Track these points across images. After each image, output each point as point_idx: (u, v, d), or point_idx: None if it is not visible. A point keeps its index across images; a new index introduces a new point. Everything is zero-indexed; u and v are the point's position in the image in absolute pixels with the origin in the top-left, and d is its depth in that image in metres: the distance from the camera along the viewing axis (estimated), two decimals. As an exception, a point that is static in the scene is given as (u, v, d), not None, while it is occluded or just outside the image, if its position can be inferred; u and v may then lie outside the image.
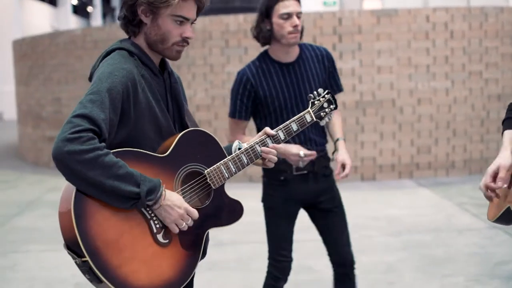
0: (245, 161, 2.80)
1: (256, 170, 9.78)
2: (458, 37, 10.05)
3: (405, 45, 9.84)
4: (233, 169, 2.76)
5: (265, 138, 2.87)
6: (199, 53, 10.09)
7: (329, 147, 4.06)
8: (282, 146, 3.47)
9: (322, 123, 3.11)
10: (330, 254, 4.14)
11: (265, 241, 6.80)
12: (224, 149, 2.81)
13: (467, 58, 10.05)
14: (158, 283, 2.51)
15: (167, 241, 2.56)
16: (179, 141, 2.64)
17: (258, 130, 3.97)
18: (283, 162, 3.91)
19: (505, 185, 2.80)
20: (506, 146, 2.76)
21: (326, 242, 4.14)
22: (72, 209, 2.38)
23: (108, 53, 2.67)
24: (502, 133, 2.88)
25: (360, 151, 9.95)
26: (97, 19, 39.53)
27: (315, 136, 3.97)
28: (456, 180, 9.83)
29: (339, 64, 9.88)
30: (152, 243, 2.52)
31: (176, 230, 2.56)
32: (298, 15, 3.79)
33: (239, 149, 2.86)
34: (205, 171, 2.69)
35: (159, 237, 2.54)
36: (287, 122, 2.95)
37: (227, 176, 2.73)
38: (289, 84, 3.90)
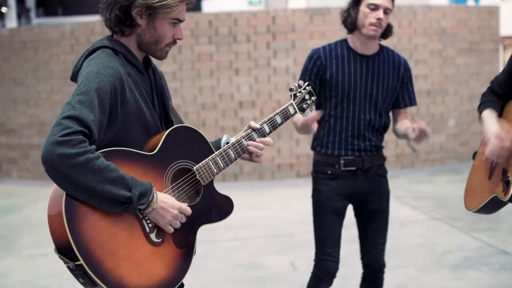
0: (233, 156, 2.80)
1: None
2: (389, 34, 10.25)
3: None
4: (222, 165, 2.75)
5: (251, 132, 2.86)
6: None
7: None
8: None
9: (304, 115, 3.14)
10: (362, 254, 4.10)
11: (216, 240, 6.84)
12: (211, 145, 2.80)
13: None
14: (153, 283, 2.49)
15: (160, 240, 2.53)
16: (167, 139, 2.61)
17: None
18: (331, 156, 3.90)
19: (486, 175, 2.90)
20: (493, 120, 2.84)
21: (361, 241, 4.09)
22: (63, 213, 2.32)
23: (91, 52, 2.61)
24: (480, 116, 2.96)
25: (295, 148, 10.06)
26: (11, 20, 38.56)
27: (370, 134, 3.90)
28: (389, 174, 10.02)
29: (273, 63, 9.98)
30: (145, 243, 2.49)
31: (171, 231, 2.54)
32: (386, 10, 3.74)
33: (227, 143, 2.87)
34: (194, 168, 2.67)
35: (152, 236, 2.51)
36: (271, 115, 2.96)
37: (215, 171, 2.72)
38: (357, 74, 3.85)
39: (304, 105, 3.13)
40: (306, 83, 3.18)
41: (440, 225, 7.12)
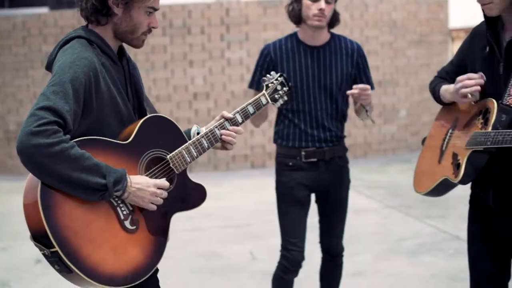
0: (206, 145, 2.86)
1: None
2: (341, 26, 10.36)
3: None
4: (195, 153, 2.81)
5: (224, 122, 2.93)
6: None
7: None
8: None
9: (277, 105, 3.21)
10: (322, 240, 4.22)
11: (174, 231, 6.85)
12: (183, 134, 2.84)
13: (349, 46, 10.43)
14: (128, 269, 2.54)
15: (134, 227, 2.58)
16: (141, 128, 2.65)
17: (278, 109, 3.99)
18: (292, 148, 3.97)
19: (436, 160, 3.01)
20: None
21: (321, 228, 4.20)
22: (39, 201, 2.37)
23: (66, 42, 2.64)
24: (439, 93, 3.06)
25: (250, 139, 10.13)
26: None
27: (329, 124, 3.97)
28: (342, 164, 10.19)
29: (227, 54, 10.03)
30: (120, 230, 2.54)
31: (154, 208, 2.59)
32: (328, 0, 3.80)
33: (198, 133, 2.92)
34: (168, 156, 2.73)
35: (127, 223, 2.56)
36: (244, 105, 3.03)
37: (189, 160, 2.78)
38: (309, 66, 3.93)
39: (276, 96, 3.20)
40: (278, 74, 3.25)
41: (394, 213, 7.28)
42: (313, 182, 4.03)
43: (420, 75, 11.05)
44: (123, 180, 2.49)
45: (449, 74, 3.13)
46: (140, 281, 2.58)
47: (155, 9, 2.69)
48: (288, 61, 3.96)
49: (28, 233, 2.48)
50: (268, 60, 3.99)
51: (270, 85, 3.20)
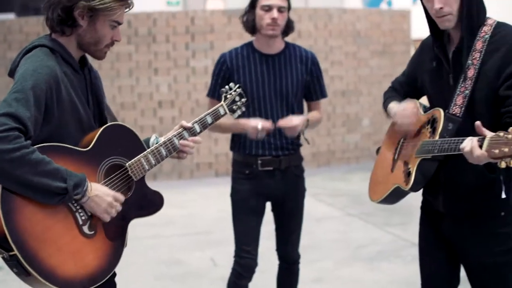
0: (164, 153, 2.90)
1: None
2: (305, 36, 10.51)
3: (255, 44, 10.17)
4: (153, 161, 2.86)
5: (182, 131, 2.98)
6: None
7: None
8: (243, 120, 3.73)
9: (235, 116, 3.27)
10: (278, 248, 4.26)
11: (136, 238, 6.88)
12: (143, 143, 2.90)
13: (314, 56, 10.53)
14: (85, 273, 2.58)
15: (92, 232, 2.62)
16: (100, 136, 2.70)
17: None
18: (249, 156, 4.02)
19: (389, 168, 3.10)
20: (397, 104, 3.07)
21: (277, 236, 4.24)
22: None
23: (29, 50, 2.68)
24: (386, 109, 3.18)
25: (214, 148, 10.18)
26: None
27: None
28: (306, 172, 10.23)
29: (192, 63, 10.08)
30: (78, 235, 2.58)
31: (107, 219, 2.63)
32: (281, 9, 3.87)
33: (157, 143, 2.97)
34: (126, 164, 2.77)
35: (85, 229, 2.60)
36: (202, 115, 3.07)
37: (147, 168, 2.83)
38: (265, 73, 3.99)
39: (234, 107, 3.27)
40: (237, 86, 3.31)
41: (355, 221, 7.37)
42: (268, 190, 4.08)
43: (383, 84, 11.17)
44: (83, 184, 2.53)
45: (401, 84, 3.22)
46: (97, 285, 2.61)
47: (119, 23, 2.74)
48: (244, 69, 4.02)
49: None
50: (224, 69, 4.04)
51: (228, 96, 3.26)
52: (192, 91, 10.07)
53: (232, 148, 4.16)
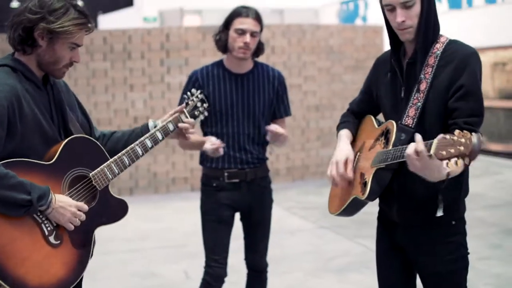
0: (127, 162, 3.02)
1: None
2: (279, 52, 10.67)
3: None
4: (116, 171, 2.98)
5: (144, 140, 3.09)
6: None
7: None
8: (203, 138, 3.98)
9: (197, 120, 3.41)
10: (246, 257, 4.42)
11: (111, 252, 6.99)
12: (106, 153, 3.00)
13: (287, 72, 10.66)
14: (52, 282, 2.70)
15: (58, 242, 2.74)
16: (64, 148, 2.82)
17: (202, 131, 4.22)
18: (216, 170, 4.16)
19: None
20: (346, 141, 3.19)
21: (246, 246, 4.39)
22: None
23: None
24: (338, 134, 3.31)
25: (189, 162, 10.29)
26: None
27: (251, 147, 4.19)
28: (281, 186, 10.37)
29: (167, 79, 10.20)
30: (44, 245, 2.70)
31: (72, 228, 2.75)
32: (254, 34, 4.02)
33: (155, 126, 3.14)
34: (90, 174, 2.89)
35: (51, 238, 2.72)
36: (164, 122, 3.20)
37: (110, 177, 2.95)
38: (233, 92, 4.13)
39: (195, 112, 3.41)
40: (199, 91, 3.45)
41: (327, 233, 7.51)
42: (235, 201, 4.23)
43: (356, 99, 11.36)
44: (47, 196, 2.66)
45: (358, 104, 3.36)
46: None
47: (78, 45, 2.86)
48: (214, 86, 4.16)
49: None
50: (196, 85, 4.14)
51: (190, 102, 3.40)
52: (167, 106, 10.17)
53: (201, 162, 4.30)
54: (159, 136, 3.15)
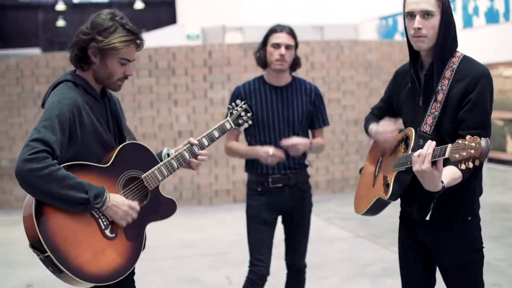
0: (175, 165, 3.37)
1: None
2: (318, 67, 10.97)
3: (270, 75, 10.62)
4: (166, 173, 3.32)
5: (192, 146, 3.44)
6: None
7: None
8: (257, 147, 4.29)
9: (241, 128, 3.78)
10: (286, 258, 4.75)
11: (157, 259, 7.33)
12: (157, 157, 3.36)
13: (326, 87, 10.97)
14: (108, 270, 3.05)
15: (114, 235, 3.10)
16: (118, 153, 3.18)
17: (246, 140, 4.58)
18: (260, 175, 4.51)
19: (371, 184, 3.52)
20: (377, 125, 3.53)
21: (286, 246, 4.73)
22: (33, 214, 2.91)
23: (56, 85, 3.19)
24: (368, 131, 3.64)
25: (232, 175, 10.62)
26: None
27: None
28: (321, 198, 10.65)
29: (210, 94, 10.56)
30: (101, 238, 3.06)
31: (124, 224, 3.10)
32: (288, 47, 4.39)
33: (168, 155, 3.44)
34: (142, 176, 3.25)
35: (107, 232, 3.08)
36: (210, 130, 3.54)
37: (160, 178, 3.29)
38: (274, 103, 4.50)
39: (240, 121, 3.72)
40: (243, 102, 3.77)
41: (364, 242, 7.76)
42: (279, 205, 4.57)
43: (394, 113, 11.58)
44: (102, 195, 3.01)
45: (379, 110, 3.67)
46: (119, 279, 3.07)
47: (129, 60, 3.21)
48: (256, 99, 4.52)
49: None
50: (239, 99, 4.50)
51: (234, 112, 3.72)
52: (210, 121, 10.53)
53: (246, 169, 4.65)
54: (205, 142, 3.48)
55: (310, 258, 6.98)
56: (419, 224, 3.33)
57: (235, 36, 16.96)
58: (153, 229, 6.51)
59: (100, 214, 3.06)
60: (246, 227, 4.64)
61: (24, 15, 36.14)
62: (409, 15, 3.19)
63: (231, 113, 3.73)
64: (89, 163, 3.09)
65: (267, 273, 4.56)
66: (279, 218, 4.69)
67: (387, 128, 3.42)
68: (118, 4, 37.60)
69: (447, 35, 3.17)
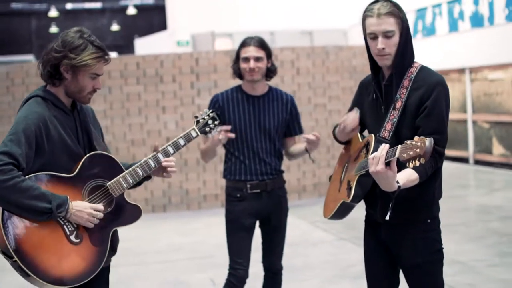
0: (140, 173, 3.52)
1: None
2: (304, 73, 11.16)
3: (257, 81, 10.80)
4: (131, 180, 3.48)
5: (156, 153, 3.58)
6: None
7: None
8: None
9: (208, 136, 3.93)
10: (263, 259, 4.93)
11: (145, 263, 7.50)
12: (122, 166, 3.51)
13: (312, 92, 11.16)
14: (74, 273, 3.25)
15: (78, 240, 3.29)
16: (84, 163, 3.37)
17: (224, 147, 4.76)
18: (239, 182, 4.69)
19: (337, 189, 3.70)
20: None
21: (263, 249, 4.91)
22: (1, 224, 3.14)
23: (26, 100, 3.39)
24: (335, 134, 3.87)
25: (220, 180, 10.78)
26: None
27: (270, 160, 4.73)
28: (308, 202, 10.83)
29: (197, 101, 10.73)
30: (66, 243, 3.26)
31: (91, 226, 3.29)
32: (257, 59, 4.58)
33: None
34: (107, 184, 3.42)
35: (72, 237, 3.28)
36: (176, 138, 3.68)
37: (125, 186, 3.46)
38: (251, 112, 4.71)
39: (206, 129, 3.86)
40: (210, 110, 3.91)
41: (347, 244, 7.95)
42: (257, 210, 4.75)
43: (380, 117, 11.76)
44: (65, 204, 3.20)
45: None
46: (84, 281, 3.27)
47: (98, 75, 3.40)
48: (233, 107, 4.73)
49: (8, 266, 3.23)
50: (216, 107, 4.74)
51: (200, 120, 3.86)
52: (198, 127, 10.65)
53: (225, 176, 4.84)
54: (171, 150, 3.62)
55: (293, 261, 7.20)
56: (381, 225, 3.51)
57: (225, 42, 17.13)
58: (143, 235, 6.56)
59: (65, 221, 3.26)
60: (226, 232, 4.82)
61: (17, 21, 36.34)
62: (371, 36, 3.37)
63: (198, 122, 3.86)
64: (55, 174, 3.29)
65: (246, 276, 4.74)
66: (257, 223, 4.85)
67: (349, 114, 3.66)
68: (111, 9, 37.82)
69: (405, 49, 3.37)
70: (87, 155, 3.40)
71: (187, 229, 9.43)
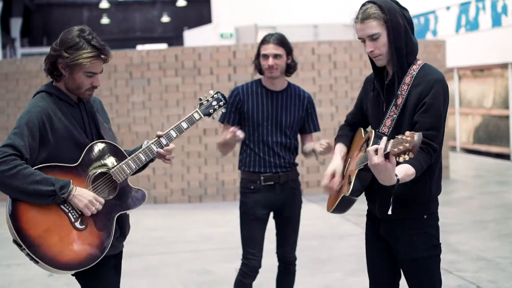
0: (143, 158, 3.62)
1: (162, 192, 10.59)
2: (341, 67, 11.19)
3: (293, 75, 10.81)
4: (133, 166, 3.59)
5: (159, 138, 3.66)
6: (105, 85, 10.77)
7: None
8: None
9: (212, 117, 3.90)
10: (277, 250, 5.03)
11: (174, 252, 7.67)
12: (125, 153, 3.62)
13: (349, 86, 11.19)
14: (80, 258, 3.39)
15: (83, 226, 3.43)
16: (86, 152, 3.50)
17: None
18: (253, 174, 4.80)
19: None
20: (337, 155, 3.76)
21: (277, 240, 5.01)
22: (9, 215, 3.32)
23: (34, 96, 3.55)
24: (334, 146, 3.86)
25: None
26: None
27: (284, 154, 4.83)
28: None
29: (235, 93, 10.82)
30: (72, 230, 3.40)
31: (88, 213, 3.40)
32: (276, 56, 4.68)
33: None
34: (110, 171, 3.54)
35: (77, 224, 3.41)
36: (179, 121, 3.74)
37: (128, 172, 3.57)
38: (269, 106, 4.82)
39: (210, 110, 3.87)
40: (215, 92, 3.92)
41: (374, 238, 7.98)
42: (270, 202, 4.85)
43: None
44: (68, 186, 3.34)
45: (352, 115, 3.92)
46: (90, 266, 3.41)
47: (94, 73, 3.51)
48: (252, 100, 4.83)
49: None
50: (237, 99, 4.85)
51: (204, 102, 3.88)
52: (234, 119, 10.77)
53: (240, 167, 4.94)
54: (173, 134, 3.67)
55: (319, 253, 7.29)
56: (381, 221, 3.58)
57: (268, 34, 17.18)
58: (176, 224, 6.62)
59: (70, 208, 3.39)
60: (239, 223, 4.94)
61: (69, 13, 36.93)
62: (361, 40, 3.48)
63: (201, 104, 3.87)
64: (58, 164, 3.43)
65: (259, 266, 4.85)
66: (271, 214, 4.95)
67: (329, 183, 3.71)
68: (161, 1, 38.20)
69: (399, 47, 3.42)
70: (90, 144, 3.52)
71: (220, 220, 9.56)
